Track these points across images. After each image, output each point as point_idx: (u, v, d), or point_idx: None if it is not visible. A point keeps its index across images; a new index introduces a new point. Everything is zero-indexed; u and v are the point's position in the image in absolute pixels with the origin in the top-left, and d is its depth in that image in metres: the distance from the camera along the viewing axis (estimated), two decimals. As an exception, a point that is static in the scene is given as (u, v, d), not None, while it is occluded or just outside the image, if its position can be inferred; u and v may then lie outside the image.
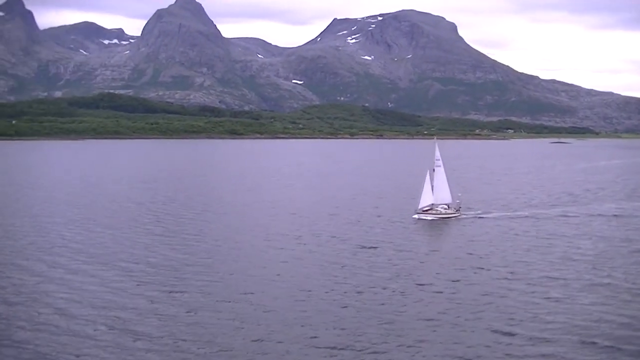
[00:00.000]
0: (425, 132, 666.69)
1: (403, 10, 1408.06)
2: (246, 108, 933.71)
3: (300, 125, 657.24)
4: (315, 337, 45.23)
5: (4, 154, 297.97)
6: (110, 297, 54.23)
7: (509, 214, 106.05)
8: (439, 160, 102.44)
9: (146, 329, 46.50)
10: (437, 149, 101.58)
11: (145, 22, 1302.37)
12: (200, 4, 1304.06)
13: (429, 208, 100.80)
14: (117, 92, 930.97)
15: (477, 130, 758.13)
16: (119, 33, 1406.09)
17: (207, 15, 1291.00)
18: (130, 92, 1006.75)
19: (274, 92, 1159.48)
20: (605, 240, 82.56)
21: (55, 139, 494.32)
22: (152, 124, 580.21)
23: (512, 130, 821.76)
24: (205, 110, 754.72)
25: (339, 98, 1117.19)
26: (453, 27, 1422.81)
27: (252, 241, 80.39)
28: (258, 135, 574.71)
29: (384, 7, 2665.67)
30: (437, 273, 63.96)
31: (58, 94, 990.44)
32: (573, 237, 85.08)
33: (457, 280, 60.96)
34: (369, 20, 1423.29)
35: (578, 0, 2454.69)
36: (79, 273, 63.12)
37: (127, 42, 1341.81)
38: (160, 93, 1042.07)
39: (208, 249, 75.58)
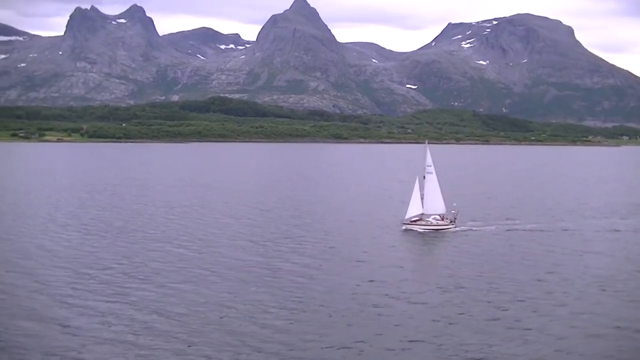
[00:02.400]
0: (533, 138, 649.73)
1: (518, 14, 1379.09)
2: (359, 112, 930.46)
3: (409, 130, 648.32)
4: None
5: (102, 155, 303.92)
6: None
7: (512, 225, 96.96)
8: (430, 166, 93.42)
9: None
10: (429, 154, 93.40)
11: (261, 27, 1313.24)
12: (315, 9, 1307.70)
13: (418, 218, 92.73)
14: (232, 96, 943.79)
15: (590, 137, 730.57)
16: (235, 38, 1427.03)
17: (321, 20, 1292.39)
18: (245, 96, 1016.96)
19: (388, 97, 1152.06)
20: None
21: (162, 142, 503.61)
22: (257, 127, 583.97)
23: (627, 137, 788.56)
24: (314, 115, 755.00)
25: (452, 103, 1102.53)
26: (570, 31, 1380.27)
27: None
28: (362, 140, 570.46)
29: (499, 11, 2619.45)
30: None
31: (175, 97, 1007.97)
32: (573, 253, 78.28)
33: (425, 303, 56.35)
34: (484, 24, 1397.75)
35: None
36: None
37: (243, 47, 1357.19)
38: (275, 97, 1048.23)
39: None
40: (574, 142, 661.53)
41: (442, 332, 48.69)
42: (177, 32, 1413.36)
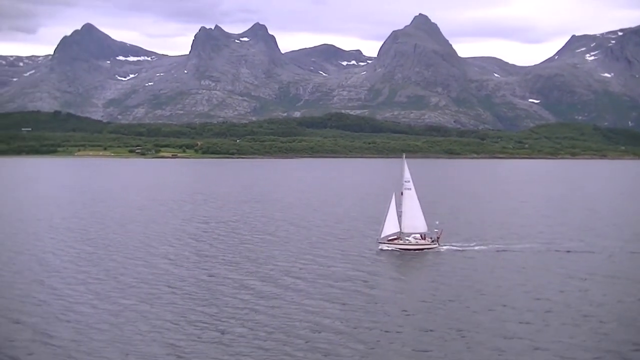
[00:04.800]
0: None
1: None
2: (481, 127, 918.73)
3: (526, 145, 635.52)
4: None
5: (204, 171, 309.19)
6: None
7: (502, 246, 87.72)
8: (408, 182, 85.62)
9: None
10: (407, 169, 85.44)
11: (382, 43, 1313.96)
12: (436, 24, 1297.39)
13: (395, 237, 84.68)
14: (353, 112, 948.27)
15: None
16: (357, 54, 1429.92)
17: (442, 35, 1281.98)
18: (366, 112, 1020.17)
19: (510, 112, 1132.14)
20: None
21: (274, 157, 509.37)
22: (369, 143, 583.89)
23: None
24: (431, 130, 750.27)
25: (576, 117, 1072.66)
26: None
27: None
28: (475, 155, 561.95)
29: (624, 21, 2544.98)
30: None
31: (296, 114, 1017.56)
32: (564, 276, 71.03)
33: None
34: (609, 35, 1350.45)
35: None
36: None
37: (364, 63, 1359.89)
38: (396, 113, 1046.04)
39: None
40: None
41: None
42: (299, 49, 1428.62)
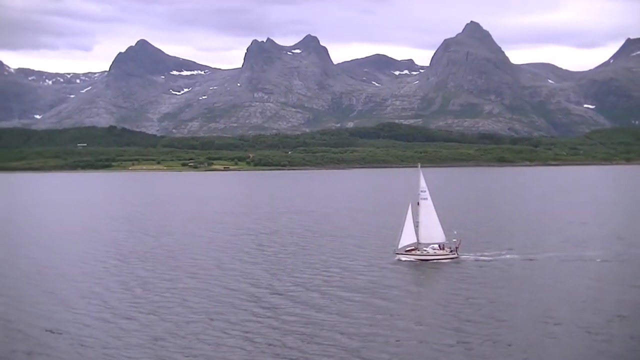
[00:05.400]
0: None
1: None
2: (535, 135, 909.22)
3: (580, 152, 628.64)
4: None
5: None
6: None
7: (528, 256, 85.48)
8: (425, 191, 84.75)
9: None
10: (422, 178, 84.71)
11: (434, 52, 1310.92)
12: (488, 32, 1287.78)
13: (413, 248, 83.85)
14: (406, 121, 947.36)
15: None
16: (409, 64, 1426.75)
17: (494, 42, 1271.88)
18: (419, 121, 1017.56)
19: (565, 118, 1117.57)
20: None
21: (325, 169, 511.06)
22: (420, 152, 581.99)
23: None
24: (484, 138, 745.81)
25: (633, 122, 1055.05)
26: None
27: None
28: (527, 163, 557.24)
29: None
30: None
31: (350, 125, 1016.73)
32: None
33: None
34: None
35: None
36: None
37: (416, 72, 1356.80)
38: (449, 121, 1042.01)
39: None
40: None
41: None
42: (351, 60, 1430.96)
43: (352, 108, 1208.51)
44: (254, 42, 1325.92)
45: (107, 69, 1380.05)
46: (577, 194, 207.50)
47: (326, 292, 67.70)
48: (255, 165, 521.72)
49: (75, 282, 75.22)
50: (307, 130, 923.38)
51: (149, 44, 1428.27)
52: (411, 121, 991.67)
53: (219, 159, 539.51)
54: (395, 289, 68.77)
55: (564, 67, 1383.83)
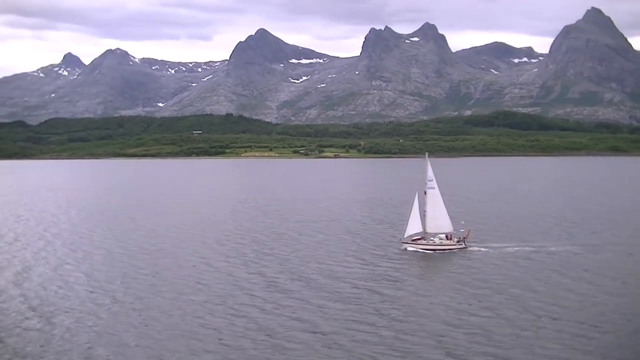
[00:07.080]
0: None
1: None
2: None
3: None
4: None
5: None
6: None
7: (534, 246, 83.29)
8: (432, 180, 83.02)
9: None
10: (430, 167, 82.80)
11: (553, 39, 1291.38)
12: (609, 17, 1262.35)
13: (419, 237, 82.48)
14: (524, 110, 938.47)
15: None
16: (528, 51, 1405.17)
17: (616, 28, 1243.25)
18: (538, 109, 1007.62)
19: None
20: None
21: (435, 157, 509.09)
22: (532, 141, 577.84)
23: None
24: (601, 127, 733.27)
25: None
26: None
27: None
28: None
29: None
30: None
31: (467, 113, 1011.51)
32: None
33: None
34: None
35: None
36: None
37: (536, 60, 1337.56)
38: (568, 110, 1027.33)
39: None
40: None
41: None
42: (469, 48, 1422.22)
43: (469, 96, 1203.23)
44: (372, 30, 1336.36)
45: (228, 58, 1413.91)
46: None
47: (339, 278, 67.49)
48: (366, 153, 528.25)
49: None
50: (425, 118, 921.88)
51: (269, 32, 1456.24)
52: (529, 109, 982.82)
53: (330, 146, 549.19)
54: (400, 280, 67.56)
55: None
